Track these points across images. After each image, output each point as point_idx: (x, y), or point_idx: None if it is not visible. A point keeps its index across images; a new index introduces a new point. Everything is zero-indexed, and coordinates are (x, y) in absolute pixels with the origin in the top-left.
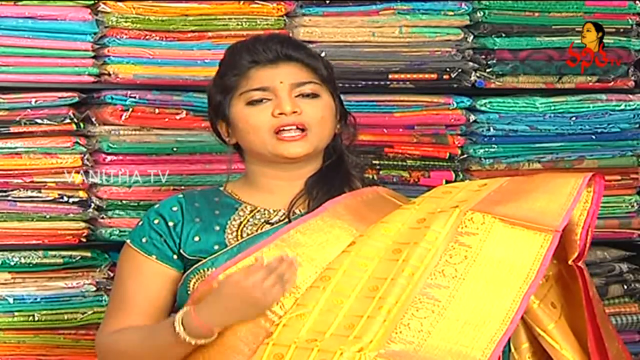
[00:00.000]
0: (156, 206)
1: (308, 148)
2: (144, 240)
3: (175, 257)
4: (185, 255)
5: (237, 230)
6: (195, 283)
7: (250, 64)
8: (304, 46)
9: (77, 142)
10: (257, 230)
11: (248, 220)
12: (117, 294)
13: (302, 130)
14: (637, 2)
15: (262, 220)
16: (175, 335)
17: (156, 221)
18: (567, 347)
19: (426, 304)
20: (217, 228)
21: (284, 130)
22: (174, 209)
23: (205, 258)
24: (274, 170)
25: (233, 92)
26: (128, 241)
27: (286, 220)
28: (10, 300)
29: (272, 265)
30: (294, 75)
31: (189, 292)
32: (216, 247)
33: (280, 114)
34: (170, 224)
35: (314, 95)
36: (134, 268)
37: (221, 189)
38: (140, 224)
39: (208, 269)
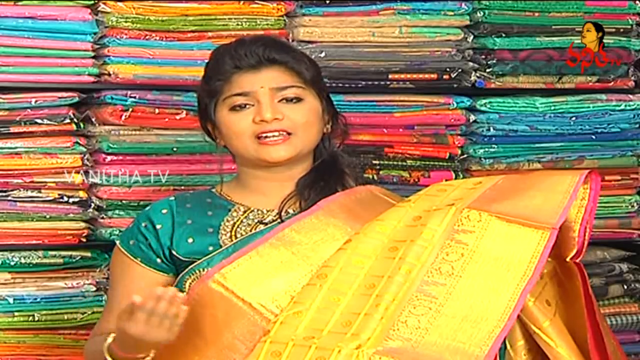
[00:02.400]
0: (147, 208)
1: (292, 152)
2: (131, 242)
3: (159, 260)
4: (179, 257)
5: (231, 231)
6: (191, 283)
7: (233, 69)
8: (289, 48)
9: (77, 142)
10: (251, 230)
11: (242, 221)
12: (109, 297)
13: (287, 133)
14: (637, 2)
15: (256, 221)
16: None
17: (144, 224)
18: (563, 345)
19: (423, 301)
20: (211, 230)
21: (266, 136)
22: (164, 211)
23: (199, 259)
24: (263, 172)
25: (218, 97)
26: (118, 242)
27: (279, 220)
28: (10, 300)
29: (147, 307)
30: (276, 79)
31: (184, 292)
32: (210, 248)
33: (262, 120)
34: (158, 226)
35: (298, 100)
36: (122, 271)
37: (214, 190)
38: (130, 225)
39: (204, 269)
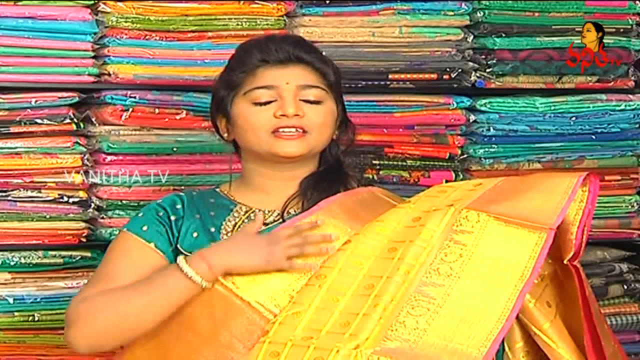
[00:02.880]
0: (158, 201)
1: (304, 149)
2: (144, 228)
3: (171, 249)
4: (182, 251)
5: (232, 231)
6: None
7: (260, 63)
8: (317, 50)
9: (77, 142)
10: None
11: (243, 221)
12: (102, 269)
13: (303, 131)
14: (637, 2)
15: None
16: (177, 271)
17: (160, 213)
18: (564, 346)
19: (422, 302)
20: (213, 229)
21: (283, 130)
22: (177, 206)
23: None
24: (269, 169)
25: (238, 89)
26: (125, 229)
27: (280, 220)
28: (10, 300)
29: (301, 227)
30: (302, 77)
31: None
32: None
33: (282, 115)
34: (173, 218)
35: (318, 102)
36: (126, 249)
37: (217, 190)
38: (139, 215)
39: None
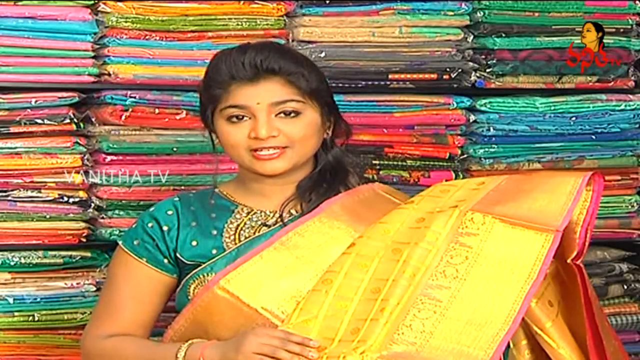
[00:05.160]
0: (151, 209)
1: (287, 165)
2: (135, 242)
3: (166, 261)
4: (183, 260)
5: (234, 234)
6: (195, 288)
7: (230, 80)
8: (289, 56)
9: (77, 142)
10: (254, 233)
11: (245, 223)
12: (107, 296)
13: (283, 147)
14: (637, 2)
15: (259, 223)
16: (174, 356)
17: (150, 224)
18: (564, 346)
19: (428, 305)
20: (215, 232)
21: (260, 152)
22: (169, 212)
23: (204, 263)
24: (263, 177)
25: (216, 105)
26: (120, 242)
27: (281, 223)
28: (10, 300)
29: (294, 337)
30: (274, 93)
31: (189, 297)
32: (214, 251)
33: (256, 137)
34: (165, 228)
35: (296, 114)
36: (125, 271)
37: (216, 190)
38: (134, 226)
39: (208, 274)
